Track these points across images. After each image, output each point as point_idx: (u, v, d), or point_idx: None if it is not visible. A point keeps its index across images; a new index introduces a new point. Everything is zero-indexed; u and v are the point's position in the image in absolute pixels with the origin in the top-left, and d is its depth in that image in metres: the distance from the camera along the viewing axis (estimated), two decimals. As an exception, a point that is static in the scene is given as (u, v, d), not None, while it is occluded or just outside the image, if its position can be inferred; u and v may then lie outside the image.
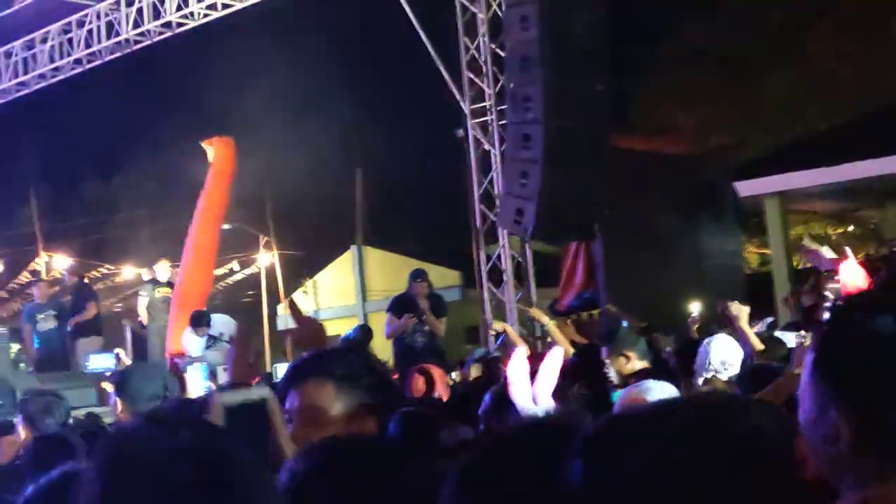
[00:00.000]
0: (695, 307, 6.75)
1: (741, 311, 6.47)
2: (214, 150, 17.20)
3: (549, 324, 7.81)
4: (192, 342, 14.31)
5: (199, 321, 14.41)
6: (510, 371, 3.58)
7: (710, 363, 6.01)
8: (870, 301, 1.53)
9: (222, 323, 14.89)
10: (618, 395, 6.02)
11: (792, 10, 24.01)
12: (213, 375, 13.65)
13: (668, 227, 18.62)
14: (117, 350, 14.45)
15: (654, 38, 23.27)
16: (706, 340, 6.49)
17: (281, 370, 12.12)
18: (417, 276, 13.01)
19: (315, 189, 34.94)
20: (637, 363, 6.23)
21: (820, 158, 17.72)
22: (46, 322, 15.70)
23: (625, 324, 6.86)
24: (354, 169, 37.36)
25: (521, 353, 3.64)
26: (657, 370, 6.06)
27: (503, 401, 4.99)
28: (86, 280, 19.46)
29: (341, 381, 2.87)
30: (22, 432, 5.61)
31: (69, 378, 14.49)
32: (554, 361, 3.46)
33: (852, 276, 4.66)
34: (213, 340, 14.14)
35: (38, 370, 15.25)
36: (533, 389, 3.40)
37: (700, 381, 5.95)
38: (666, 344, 8.97)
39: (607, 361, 6.30)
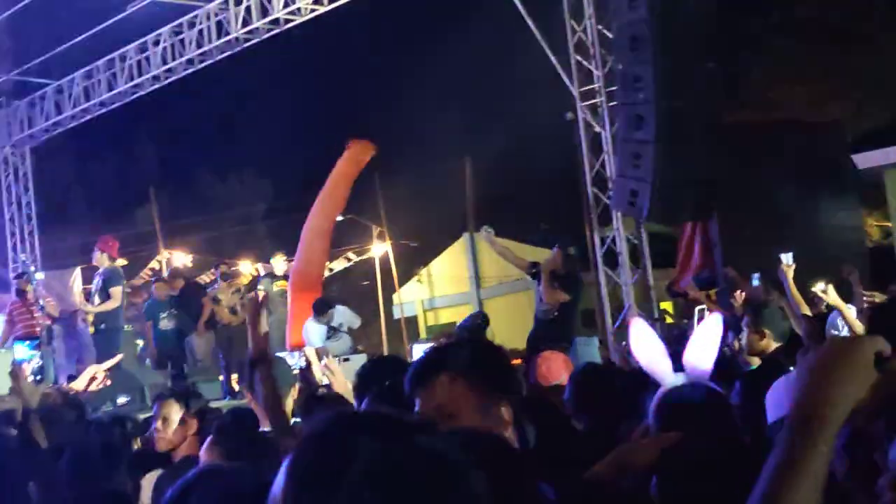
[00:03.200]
0: (819, 286, 6.70)
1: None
2: (353, 150, 17.42)
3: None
4: (313, 331, 14.44)
5: (321, 309, 14.50)
6: (632, 343, 3.56)
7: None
8: None
9: (342, 314, 14.99)
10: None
11: (907, -25, 23.39)
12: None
13: (786, 204, 18.29)
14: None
15: (765, 10, 22.88)
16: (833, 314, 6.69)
17: (418, 351, 12.04)
18: (558, 243, 12.54)
19: (426, 178, 35.11)
20: (772, 343, 6.17)
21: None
22: (168, 321, 15.99)
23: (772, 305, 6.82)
24: (464, 156, 37.40)
25: (640, 323, 3.62)
26: (790, 350, 5.98)
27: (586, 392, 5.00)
28: (197, 280, 19.80)
29: (471, 373, 2.65)
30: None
31: (196, 373, 14.82)
32: (712, 328, 3.43)
33: None
34: (332, 331, 14.27)
35: (157, 367, 15.60)
36: (685, 358, 3.37)
37: None
38: None
39: (743, 329, 6.26)
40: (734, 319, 7.70)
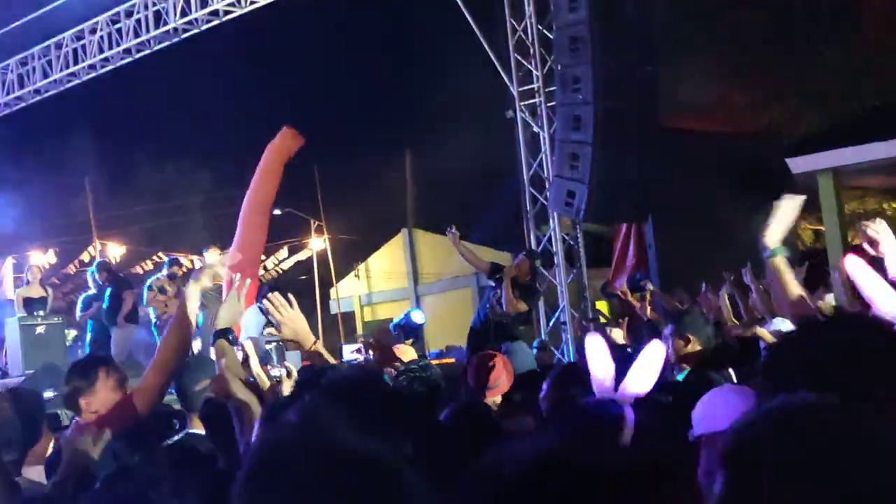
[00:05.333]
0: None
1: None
2: (280, 139, 17.16)
3: None
4: (252, 320, 14.11)
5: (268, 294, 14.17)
6: (588, 356, 3.57)
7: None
8: None
9: None
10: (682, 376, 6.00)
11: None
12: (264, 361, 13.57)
13: (720, 207, 18.45)
14: None
15: (704, 15, 23.08)
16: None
17: (347, 352, 11.90)
18: (526, 252, 12.28)
19: (365, 173, 35.02)
20: (697, 346, 6.18)
21: (874, 133, 17.47)
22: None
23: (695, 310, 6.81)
24: (404, 152, 37.37)
25: (596, 338, 3.62)
26: (718, 356, 6.01)
27: (563, 386, 4.99)
28: (122, 272, 19.50)
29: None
30: None
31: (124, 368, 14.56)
32: (655, 355, 3.44)
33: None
34: (269, 325, 14.06)
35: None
36: (624, 381, 3.38)
37: None
38: None
39: (667, 338, 6.26)
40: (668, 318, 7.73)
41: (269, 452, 1.53)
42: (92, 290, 16.22)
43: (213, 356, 6.06)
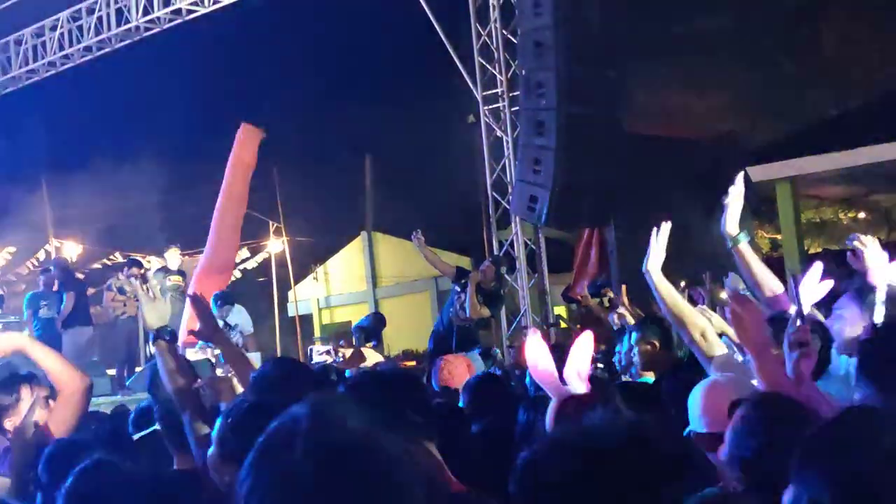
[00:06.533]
0: (723, 295, 6.65)
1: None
2: (243, 136, 16.92)
3: None
4: None
5: (224, 300, 14.05)
6: (528, 355, 3.58)
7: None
8: None
9: (239, 315, 14.66)
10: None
11: (804, -6, 23.97)
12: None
13: (680, 213, 18.52)
14: None
15: (666, 22, 23.20)
16: None
17: (315, 354, 11.77)
18: (492, 258, 12.28)
19: (324, 175, 34.90)
20: (662, 349, 6.23)
21: (831, 143, 17.66)
22: (50, 310, 15.61)
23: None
24: (364, 155, 37.30)
25: (536, 337, 3.63)
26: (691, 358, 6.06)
27: (480, 393, 5.03)
28: (77, 273, 19.30)
29: None
30: None
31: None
32: (585, 345, 3.45)
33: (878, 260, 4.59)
34: (227, 327, 13.99)
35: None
36: (564, 372, 3.40)
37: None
38: None
39: (634, 346, 6.31)
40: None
41: (273, 440, 1.55)
42: (41, 289, 16.04)
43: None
